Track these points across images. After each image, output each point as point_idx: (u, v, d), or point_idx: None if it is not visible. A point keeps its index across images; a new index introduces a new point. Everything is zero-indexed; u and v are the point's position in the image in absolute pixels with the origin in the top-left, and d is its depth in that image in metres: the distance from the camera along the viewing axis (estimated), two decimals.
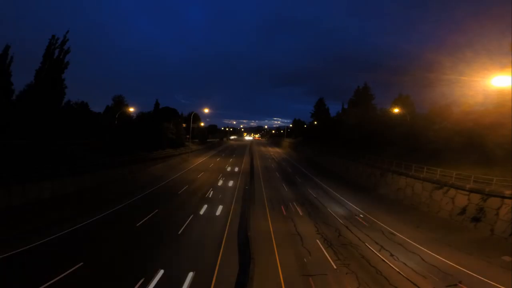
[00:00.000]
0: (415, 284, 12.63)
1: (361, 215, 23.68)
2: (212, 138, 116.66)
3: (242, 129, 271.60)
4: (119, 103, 50.63)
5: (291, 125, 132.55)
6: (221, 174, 42.68)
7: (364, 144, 42.65)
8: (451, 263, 14.71)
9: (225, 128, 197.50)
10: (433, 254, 15.93)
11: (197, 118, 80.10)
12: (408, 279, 13.06)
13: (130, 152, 36.54)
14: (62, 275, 11.83)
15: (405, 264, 14.63)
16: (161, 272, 12.83)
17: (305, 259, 14.97)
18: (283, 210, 24.57)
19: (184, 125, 66.38)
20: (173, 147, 53.56)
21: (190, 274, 12.79)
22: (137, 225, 18.94)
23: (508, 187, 18.17)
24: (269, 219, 21.87)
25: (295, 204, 26.89)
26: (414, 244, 17.43)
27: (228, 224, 20.23)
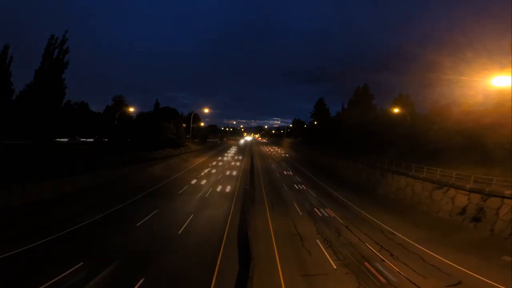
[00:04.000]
0: (415, 284, 12.63)
1: (360, 215, 23.68)
2: (213, 138, 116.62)
3: (242, 129, 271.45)
4: (119, 103, 50.59)
5: (291, 125, 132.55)
6: (221, 174, 42.67)
7: (364, 144, 42.63)
8: (451, 263, 14.72)
9: (225, 128, 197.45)
10: (433, 254, 15.93)
11: (197, 118, 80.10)
12: (408, 279, 13.06)
13: (130, 152, 36.53)
14: (62, 275, 11.83)
15: (405, 264, 14.63)
16: (161, 272, 12.85)
17: (305, 259, 14.97)
18: (283, 210, 24.56)
19: (184, 125, 66.36)
20: (173, 147, 53.54)
21: (190, 274, 12.81)
22: (137, 225, 18.94)
23: (508, 187, 18.17)
24: (269, 219, 21.87)
25: (295, 204, 26.89)
26: (414, 244, 17.44)
27: (228, 224, 20.23)
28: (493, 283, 12.68)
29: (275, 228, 19.81)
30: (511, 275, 13.23)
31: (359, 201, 28.56)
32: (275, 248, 16.19)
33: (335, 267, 14.13)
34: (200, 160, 59.65)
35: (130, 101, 52.92)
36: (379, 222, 21.74)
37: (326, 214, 23.85)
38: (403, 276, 13.38)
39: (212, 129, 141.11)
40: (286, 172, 49.09)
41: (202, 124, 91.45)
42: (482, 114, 26.01)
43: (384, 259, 15.28)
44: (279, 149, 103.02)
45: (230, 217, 21.87)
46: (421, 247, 16.86)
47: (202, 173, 42.77)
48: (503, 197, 17.98)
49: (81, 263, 12.92)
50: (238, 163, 57.30)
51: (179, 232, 18.11)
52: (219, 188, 32.60)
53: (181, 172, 42.93)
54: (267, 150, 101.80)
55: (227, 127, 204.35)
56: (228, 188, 32.76)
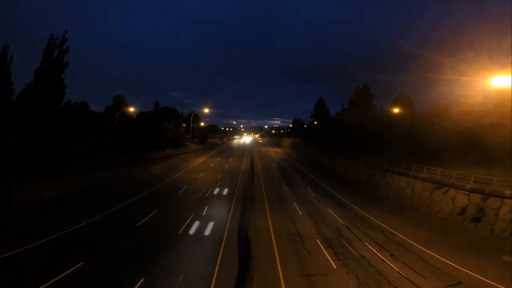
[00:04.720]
0: (415, 284, 12.63)
1: (360, 215, 23.68)
2: (212, 138, 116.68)
3: (242, 129, 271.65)
4: (119, 103, 50.66)
5: (291, 125, 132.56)
6: (221, 174, 42.66)
7: (364, 144, 42.62)
8: (451, 263, 14.72)
9: (225, 128, 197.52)
10: (433, 254, 15.93)
11: (197, 118, 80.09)
12: (408, 279, 13.06)
13: (130, 152, 36.51)
14: (62, 275, 11.82)
15: (405, 264, 14.63)
16: (161, 272, 12.85)
17: (305, 259, 14.98)
18: (283, 210, 24.56)
19: (184, 125, 66.36)
20: (173, 147, 53.53)
21: (190, 274, 12.81)
22: (137, 225, 18.94)
23: (508, 187, 18.17)
24: (269, 219, 21.86)
25: (295, 204, 26.89)
26: (414, 244, 17.44)
27: (228, 223, 20.23)
28: (493, 283, 12.68)
29: (275, 228, 19.81)
30: (511, 275, 13.23)
31: (359, 201, 28.55)
32: (275, 248, 16.19)
33: (335, 267, 14.14)
34: (200, 160, 59.65)
35: (130, 101, 53.10)
36: (379, 222, 21.74)
37: (326, 214, 23.85)
38: (403, 276, 13.39)
39: (212, 129, 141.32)
40: (286, 172, 49.08)
41: (202, 124, 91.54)
42: (482, 114, 26.01)
43: (384, 259, 15.28)
44: (279, 149, 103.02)
45: (230, 216, 21.87)
46: (421, 247, 16.86)
47: (202, 173, 42.77)
48: (503, 197, 17.98)
49: (81, 263, 12.92)
50: (238, 163, 57.27)
51: (179, 232, 18.10)
52: (219, 188, 32.59)
53: (181, 172, 42.94)
54: (267, 150, 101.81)
55: (227, 127, 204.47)
56: (228, 188, 32.74)
